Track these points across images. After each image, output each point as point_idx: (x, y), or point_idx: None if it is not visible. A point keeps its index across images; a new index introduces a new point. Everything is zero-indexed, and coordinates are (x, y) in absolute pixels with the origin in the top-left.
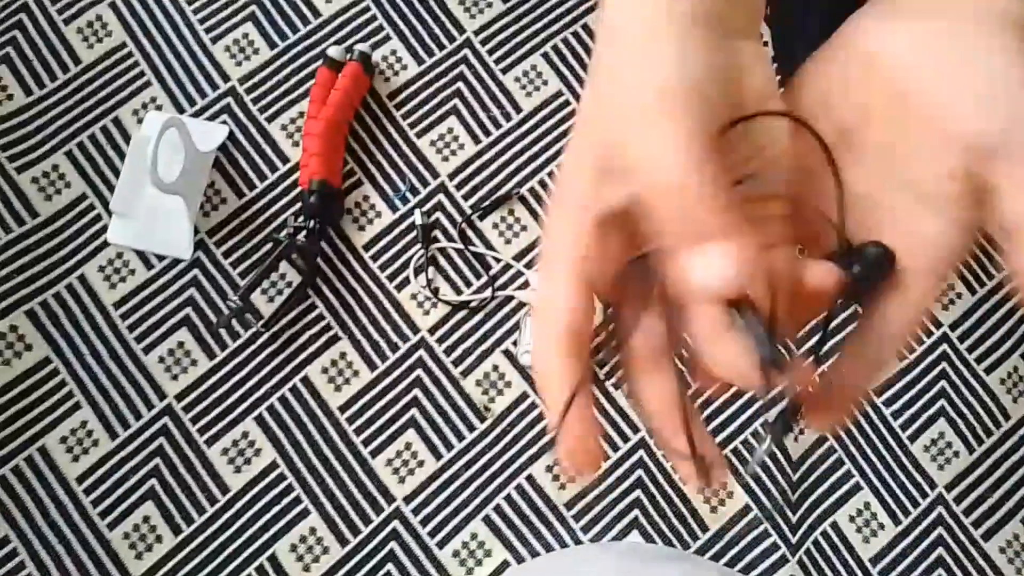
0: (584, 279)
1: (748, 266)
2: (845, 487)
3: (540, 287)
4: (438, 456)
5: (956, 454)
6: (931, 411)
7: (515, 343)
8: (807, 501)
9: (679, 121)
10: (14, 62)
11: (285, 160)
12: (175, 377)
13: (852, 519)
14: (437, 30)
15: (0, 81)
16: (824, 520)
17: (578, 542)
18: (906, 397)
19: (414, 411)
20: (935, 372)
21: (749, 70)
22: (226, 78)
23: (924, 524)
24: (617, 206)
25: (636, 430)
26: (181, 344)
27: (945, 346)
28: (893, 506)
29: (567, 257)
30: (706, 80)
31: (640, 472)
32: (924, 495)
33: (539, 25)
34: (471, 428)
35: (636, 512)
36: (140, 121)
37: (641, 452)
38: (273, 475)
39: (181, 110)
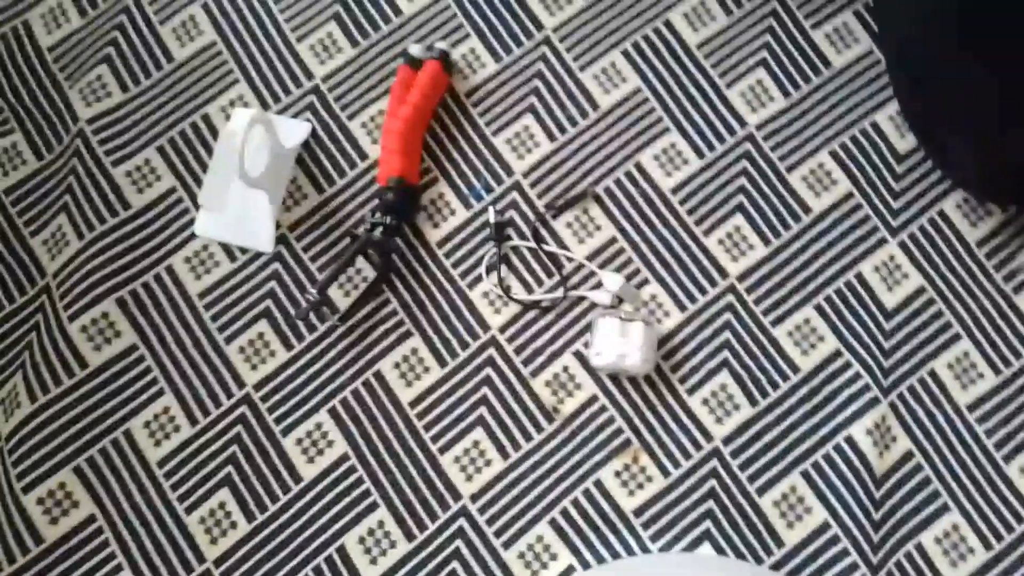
0: None
1: None
2: (932, 507)
3: None
4: (505, 456)
5: None
6: None
7: (586, 344)
8: (891, 520)
9: None
10: (114, 61)
11: (364, 157)
12: (254, 367)
13: (939, 541)
14: (516, 27)
15: (100, 79)
16: (908, 541)
17: (646, 551)
18: (1001, 414)
19: (482, 409)
20: None
21: None
22: (310, 76)
23: (1020, 551)
24: None
25: (709, 438)
26: (261, 335)
27: None
28: (984, 529)
29: None
30: None
31: (713, 482)
32: (1020, 519)
33: (619, 21)
34: (539, 429)
35: (708, 523)
36: (228, 118)
37: (714, 462)
38: (344, 467)
39: (266, 107)
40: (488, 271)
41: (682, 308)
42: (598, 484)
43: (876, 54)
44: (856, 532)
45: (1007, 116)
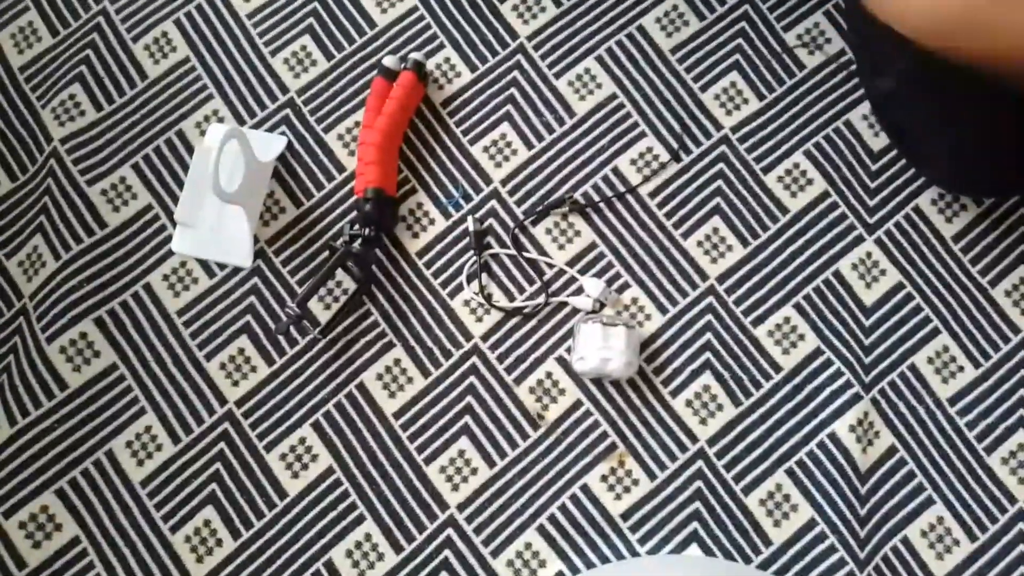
0: None
1: None
2: (917, 501)
3: None
4: (491, 464)
5: None
6: (1009, 421)
7: (569, 350)
8: (876, 515)
9: None
10: (87, 80)
11: (341, 169)
12: (235, 383)
13: (924, 534)
14: (490, 36)
15: (74, 99)
16: (894, 535)
17: (634, 554)
18: (982, 407)
19: (467, 418)
20: (1014, 380)
21: None
22: (285, 90)
23: (1004, 541)
24: None
25: (694, 439)
26: (241, 351)
27: None
28: (969, 521)
29: None
30: None
31: (699, 483)
32: (1003, 510)
33: (593, 28)
34: (524, 436)
35: (695, 524)
36: (203, 133)
37: (700, 463)
38: (329, 481)
39: (242, 122)
40: (469, 280)
41: (663, 311)
42: (585, 489)
43: (848, 54)
44: (842, 528)
45: (978, 116)
